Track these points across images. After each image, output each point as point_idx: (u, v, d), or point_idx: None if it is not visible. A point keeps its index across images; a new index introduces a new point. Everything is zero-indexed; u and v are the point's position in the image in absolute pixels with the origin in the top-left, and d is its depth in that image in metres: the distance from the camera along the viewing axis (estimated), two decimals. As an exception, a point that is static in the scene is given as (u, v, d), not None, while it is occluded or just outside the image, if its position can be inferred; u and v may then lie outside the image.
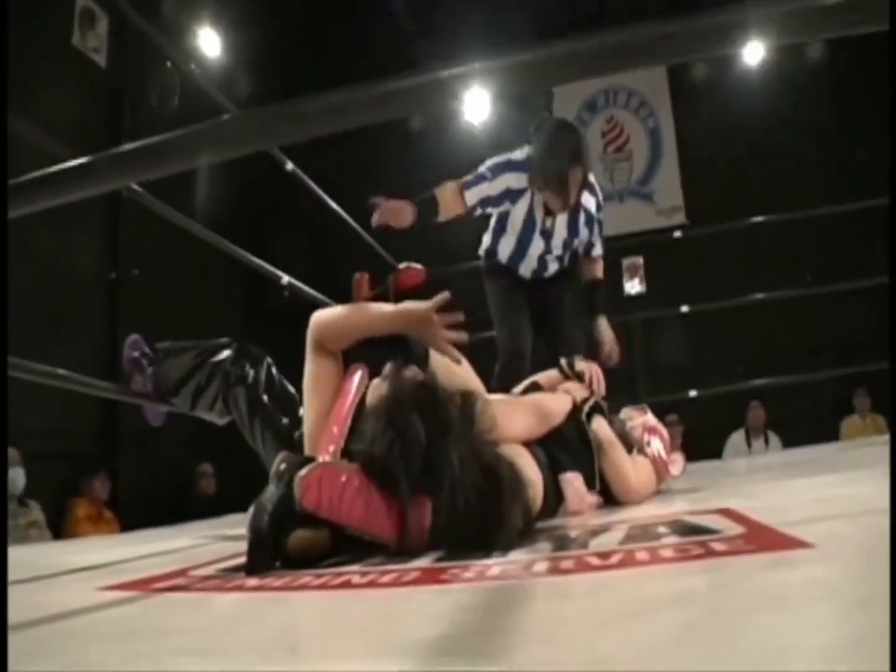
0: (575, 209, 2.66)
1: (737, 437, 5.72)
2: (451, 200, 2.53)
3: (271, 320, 6.55)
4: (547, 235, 2.72)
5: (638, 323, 5.35)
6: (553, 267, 2.86)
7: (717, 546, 0.94)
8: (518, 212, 2.67)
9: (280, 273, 2.78)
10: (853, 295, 4.76)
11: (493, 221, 2.84)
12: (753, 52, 6.03)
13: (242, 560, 1.32)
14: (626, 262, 6.43)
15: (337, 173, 4.41)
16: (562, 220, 2.70)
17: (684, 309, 4.38)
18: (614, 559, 0.94)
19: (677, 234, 5.17)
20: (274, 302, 5.98)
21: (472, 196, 2.56)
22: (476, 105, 6.00)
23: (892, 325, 1.65)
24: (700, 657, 0.51)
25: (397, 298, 4.18)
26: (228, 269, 4.89)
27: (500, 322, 2.86)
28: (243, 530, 1.12)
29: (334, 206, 3.57)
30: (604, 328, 2.83)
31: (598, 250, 2.85)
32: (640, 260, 6.44)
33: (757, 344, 5.98)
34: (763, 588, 0.72)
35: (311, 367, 1.51)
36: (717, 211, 5.65)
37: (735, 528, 1.06)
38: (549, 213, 2.66)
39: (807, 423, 5.47)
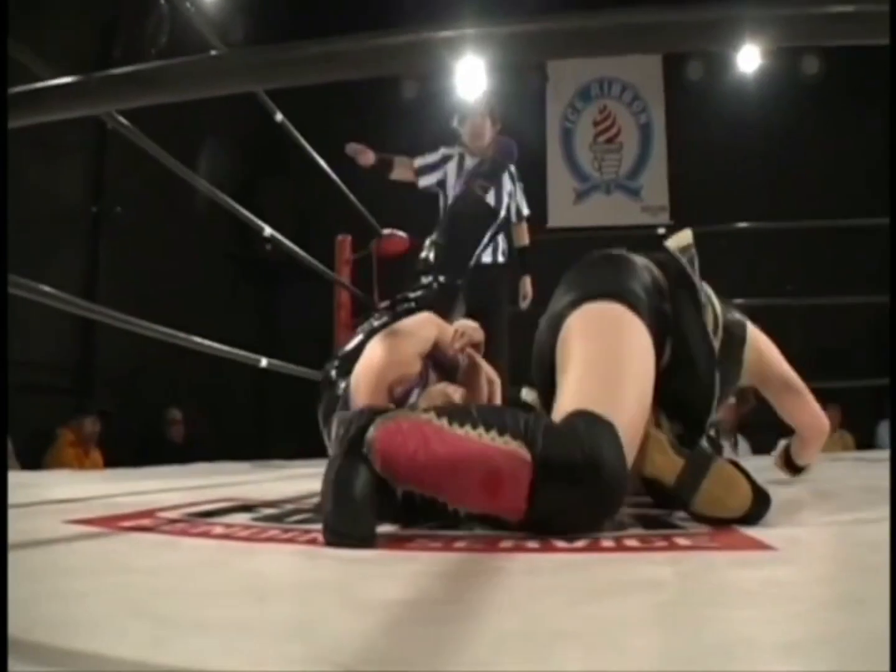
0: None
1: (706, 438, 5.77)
2: (403, 165, 3.45)
3: (253, 272, 6.52)
4: None
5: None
6: (490, 243, 3.20)
7: (682, 541, 0.96)
8: (451, 169, 3.40)
9: (263, 224, 2.74)
10: (833, 309, 4.82)
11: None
12: (749, 59, 6.04)
13: (209, 507, 1.33)
14: (608, 254, 6.45)
15: (327, 133, 4.32)
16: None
17: (662, 306, 4.38)
18: (580, 543, 0.95)
19: (661, 230, 5.18)
20: (256, 254, 5.94)
21: (418, 162, 3.46)
22: (470, 79, 5.92)
23: (892, 331, 1.68)
24: (664, 641, 0.53)
25: (379, 264, 4.19)
26: (213, 217, 4.83)
27: None
28: (210, 479, 1.11)
29: (322, 163, 3.50)
30: (528, 284, 3.59)
31: (525, 211, 3.54)
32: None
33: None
34: (725, 583, 0.74)
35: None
36: (702, 214, 5.66)
37: (700, 526, 1.08)
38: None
39: (775, 431, 5.55)
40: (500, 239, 3.39)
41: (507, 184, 3.39)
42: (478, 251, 2.99)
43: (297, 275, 3.99)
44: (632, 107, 6.87)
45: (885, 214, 3.57)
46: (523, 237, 3.61)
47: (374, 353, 1.55)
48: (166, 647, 0.51)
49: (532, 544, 0.95)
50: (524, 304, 3.57)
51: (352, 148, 3.41)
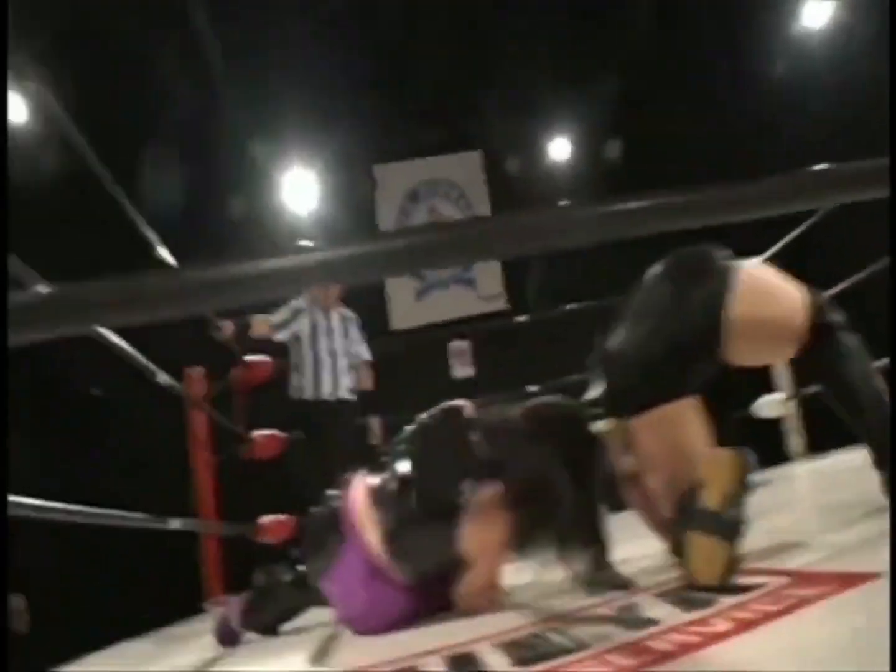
0: (342, 316, 3.88)
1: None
2: (260, 323, 3.68)
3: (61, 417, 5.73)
4: (329, 332, 3.80)
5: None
6: (344, 382, 3.78)
7: (768, 607, 1.00)
8: (304, 323, 3.78)
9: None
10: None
11: (291, 359, 3.83)
12: (560, 149, 6.65)
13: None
14: (453, 346, 6.55)
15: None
16: (336, 320, 3.84)
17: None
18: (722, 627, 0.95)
19: (502, 321, 5.32)
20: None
21: (273, 319, 3.73)
22: (302, 193, 6.06)
23: (892, 331, 1.88)
24: None
25: (245, 393, 3.95)
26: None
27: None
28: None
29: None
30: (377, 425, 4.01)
31: (365, 354, 3.95)
32: (466, 344, 6.59)
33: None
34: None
35: None
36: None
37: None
38: (325, 315, 3.81)
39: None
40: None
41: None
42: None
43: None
44: (459, 204, 7.17)
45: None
46: (367, 381, 4.00)
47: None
48: None
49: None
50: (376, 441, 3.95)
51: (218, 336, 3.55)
